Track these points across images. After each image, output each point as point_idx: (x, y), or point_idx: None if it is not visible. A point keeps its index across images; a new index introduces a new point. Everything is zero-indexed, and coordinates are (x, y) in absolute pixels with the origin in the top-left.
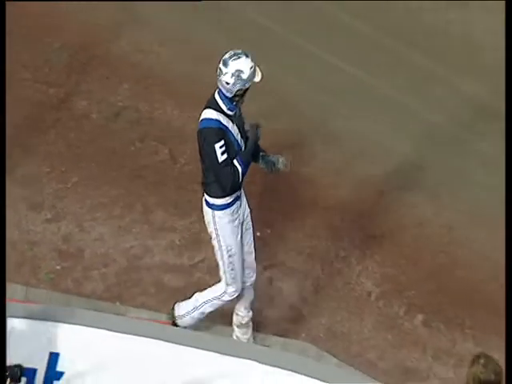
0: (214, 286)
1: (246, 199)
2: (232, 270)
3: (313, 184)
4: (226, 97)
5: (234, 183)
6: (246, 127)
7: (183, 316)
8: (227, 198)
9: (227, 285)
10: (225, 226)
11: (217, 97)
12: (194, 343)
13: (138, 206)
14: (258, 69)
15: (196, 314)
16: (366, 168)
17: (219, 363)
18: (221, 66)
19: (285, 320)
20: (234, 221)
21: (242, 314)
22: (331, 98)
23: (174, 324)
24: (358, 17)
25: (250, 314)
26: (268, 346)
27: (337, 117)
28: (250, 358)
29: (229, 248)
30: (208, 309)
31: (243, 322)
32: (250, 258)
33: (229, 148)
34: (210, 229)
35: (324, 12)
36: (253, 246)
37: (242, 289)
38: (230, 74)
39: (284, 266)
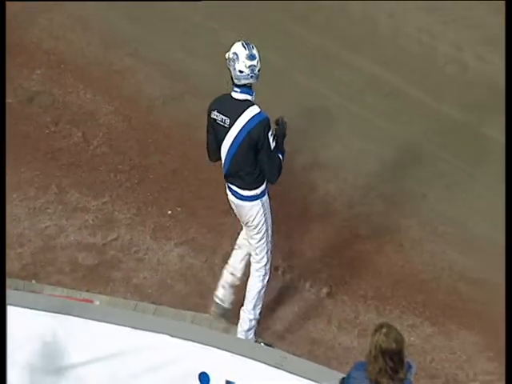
0: (251, 290)
1: None
2: (272, 245)
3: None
4: (248, 87)
5: (280, 170)
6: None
7: (251, 332)
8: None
9: (265, 264)
10: (268, 206)
11: (239, 96)
12: (106, 318)
13: (52, 188)
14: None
15: (253, 323)
16: None
17: (132, 337)
18: (232, 56)
19: (195, 295)
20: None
21: (239, 275)
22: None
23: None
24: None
25: (243, 278)
26: (180, 321)
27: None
28: (161, 332)
29: (271, 227)
30: (259, 307)
31: (237, 283)
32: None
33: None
34: (259, 218)
35: None
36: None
37: (245, 260)
38: (247, 64)
39: (194, 242)
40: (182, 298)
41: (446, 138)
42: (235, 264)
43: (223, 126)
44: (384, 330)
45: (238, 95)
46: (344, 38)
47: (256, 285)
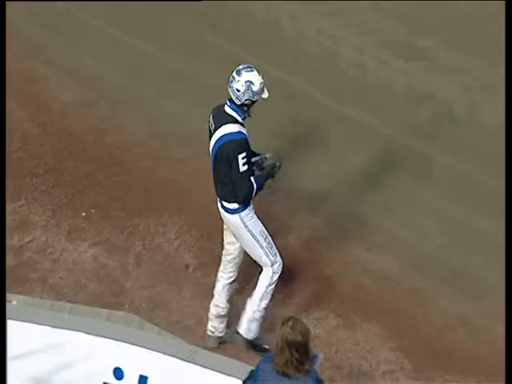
0: (259, 283)
1: None
2: (271, 247)
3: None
4: (236, 105)
5: (248, 196)
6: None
7: (253, 332)
8: None
9: (272, 265)
10: (251, 219)
11: (229, 110)
12: (23, 317)
13: None
14: (265, 87)
15: (257, 316)
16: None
17: (49, 335)
18: (234, 74)
19: (109, 293)
20: (254, 212)
21: (222, 305)
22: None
23: (250, 342)
24: None
25: (229, 305)
26: (95, 319)
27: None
28: (77, 330)
29: (262, 234)
30: (265, 302)
31: (222, 314)
32: (240, 257)
33: (249, 160)
34: (241, 231)
35: None
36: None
37: (228, 283)
38: (242, 83)
39: (108, 243)
40: (96, 296)
41: (349, 138)
42: (216, 295)
43: (210, 129)
44: (290, 323)
45: (228, 109)
46: (248, 41)
47: (264, 281)
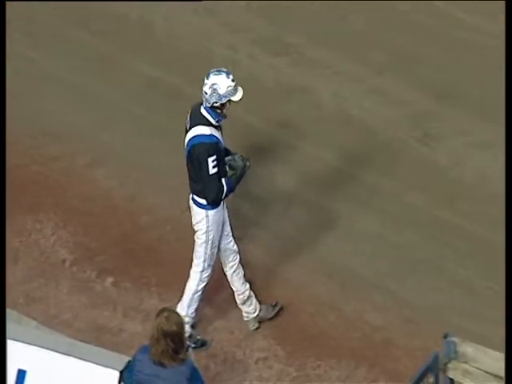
0: (186, 290)
1: None
2: (211, 259)
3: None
4: (209, 107)
5: (217, 197)
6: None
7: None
8: None
9: (201, 271)
10: (215, 223)
11: (203, 112)
12: None
13: None
14: (239, 89)
15: (187, 320)
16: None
17: None
18: (204, 77)
19: None
20: (221, 216)
21: (241, 290)
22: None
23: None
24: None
25: (247, 286)
26: None
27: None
28: None
29: (213, 242)
30: (193, 307)
31: (246, 298)
32: (231, 244)
33: (220, 162)
34: (201, 226)
35: None
36: (231, 233)
37: (233, 272)
38: (208, 86)
39: None
40: None
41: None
42: (232, 287)
43: (186, 126)
44: (165, 314)
45: (203, 110)
46: (122, 42)
47: (190, 287)
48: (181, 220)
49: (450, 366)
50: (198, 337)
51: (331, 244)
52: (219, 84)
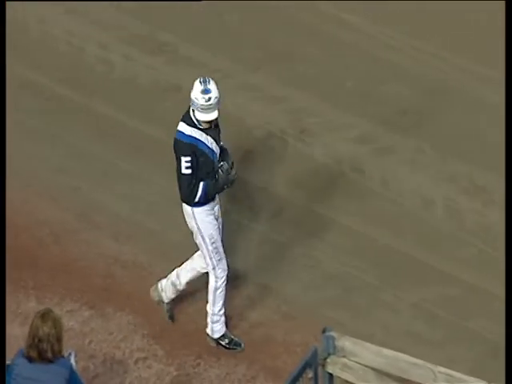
0: (209, 288)
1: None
2: (217, 253)
3: None
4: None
5: (188, 199)
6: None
7: (217, 331)
8: None
9: (214, 269)
10: (204, 220)
11: (191, 112)
12: None
13: None
14: (210, 111)
15: (216, 318)
16: None
17: None
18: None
19: None
20: (211, 214)
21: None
22: None
23: (218, 342)
24: None
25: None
26: None
27: None
28: None
29: (210, 237)
30: (218, 305)
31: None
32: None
33: (197, 163)
34: (192, 224)
35: None
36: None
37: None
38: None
39: None
40: None
41: (97, 131)
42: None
43: None
44: (42, 314)
45: (191, 109)
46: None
47: (211, 286)
48: (59, 223)
49: (328, 360)
50: (232, 337)
51: None
52: (194, 91)
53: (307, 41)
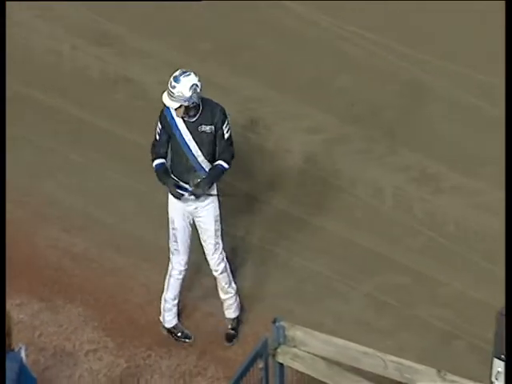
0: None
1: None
2: (175, 241)
3: None
4: None
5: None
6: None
7: (168, 322)
8: None
9: (171, 254)
10: (170, 199)
11: None
12: None
13: None
14: (165, 95)
15: (168, 306)
16: None
17: None
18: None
19: None
20: (176, 203)
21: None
22: None
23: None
24: None
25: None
26: None
27: None
28: None
29: (171, 221)
30: (171, 291)
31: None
32: (209, 258)
33: (161, 136)
34: None
35: None
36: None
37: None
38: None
39: None
40: None
41: (49, 126)
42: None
43: None
44: None
45: None
46: None
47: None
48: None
49: (279, 350)
50: (183, 329)
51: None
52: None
53: (258, 31)
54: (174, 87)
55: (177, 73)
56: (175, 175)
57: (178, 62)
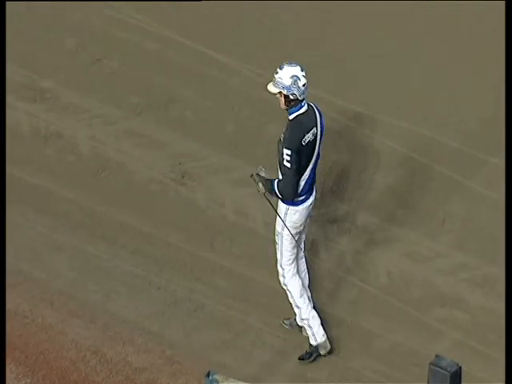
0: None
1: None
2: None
3: None
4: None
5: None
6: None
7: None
8: None
9: (290, 264)
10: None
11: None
12: None
13: None
14: (272, 84)
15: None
16: None
17: None
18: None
19: None
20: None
21: None
22: None
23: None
24: None
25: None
26: None
27: None
28: None
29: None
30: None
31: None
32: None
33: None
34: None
35: None
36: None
37: None
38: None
39: None
40: None
41: None
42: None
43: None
44: None
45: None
46: None
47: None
48: None
49: None
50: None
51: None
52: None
53: (183, 81)
54: (277, 73)
55: (285, 62)
56: None
57: (110, 117)
